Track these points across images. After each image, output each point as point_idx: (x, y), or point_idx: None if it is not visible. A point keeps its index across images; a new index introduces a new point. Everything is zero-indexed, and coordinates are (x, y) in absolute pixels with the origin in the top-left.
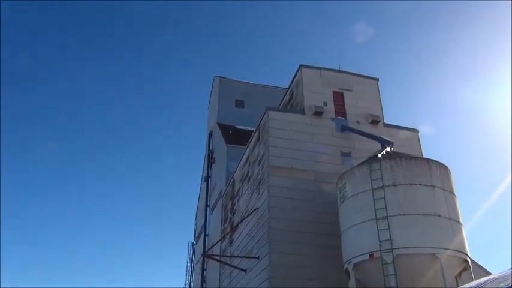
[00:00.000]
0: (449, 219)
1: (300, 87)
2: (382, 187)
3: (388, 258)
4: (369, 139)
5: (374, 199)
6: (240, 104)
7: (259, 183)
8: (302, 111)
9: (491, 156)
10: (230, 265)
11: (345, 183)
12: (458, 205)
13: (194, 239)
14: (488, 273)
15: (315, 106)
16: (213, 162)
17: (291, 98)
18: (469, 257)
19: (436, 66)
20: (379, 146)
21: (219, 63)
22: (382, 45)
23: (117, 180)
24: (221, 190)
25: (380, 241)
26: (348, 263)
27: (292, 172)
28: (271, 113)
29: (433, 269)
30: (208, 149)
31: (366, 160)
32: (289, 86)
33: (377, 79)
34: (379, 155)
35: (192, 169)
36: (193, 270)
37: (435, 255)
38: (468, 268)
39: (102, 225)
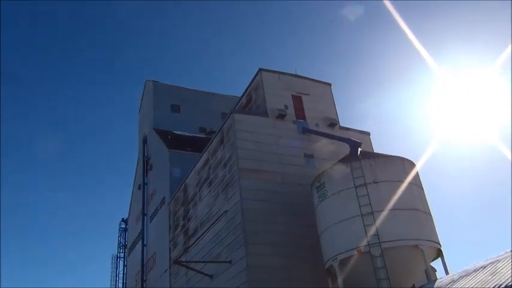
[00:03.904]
0: (424, 212)
1: (260, 90)
2: (365, 184)
3: (377, 251)
4: (328, 141)
5: (358, 196)
6: (176, 109)
7: (227, 185)
8: (265, 114)
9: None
10: (197, 271)
11: (324, 182)
12: (427, 198)
13: (120, 251)
14: None
15: (278, 109)
16: (150, 169)
17: (248, 101)
18: (441, 246)
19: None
20: (337, 147)
21: (147, 65)
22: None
23: (38, 187)
24: (164, 197)
25: (367, 236)
26: (333, 260)
27: (261, 174)
28: (237, 116)
29: (415, 259)
30: (143, 155)
31: (343, 159)
32: (246, 89)
33: (330, 84)
34: (359, 154)
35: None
36: (122, 284)
37: (418, 246)
38: (441, 256)
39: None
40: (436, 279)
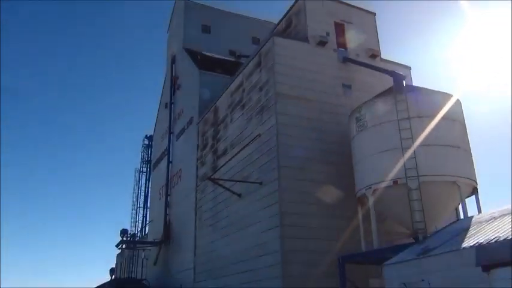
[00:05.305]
0: (465, 150)
1: (302, 15)
2: (408, 118)
3: (414, 184)
4: (367, 73)
5: (400, 129)
6: (206, 29)
7: (262, 109)
8: (306, 40)
9: None
10: (227, 189)
11: (365, 113)
12: (468, 136)
13: (143, 166)
14: None
15: (319, 36)
16: (178, 89)
17: (288, 26)
18: (477, 184)
19: None
20: (376, 80)
21: None
22: None
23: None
24: (192, 117)
25: (406, 168)
26: (366, 189)
27: (297, 100)
28: (278, 39)
29: (451, 195)
30: (171, 74)
31: (387, 91)
32: (286, 13)
33: (374, 13)
34: (404, 87)
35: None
36: (144, 197)
37: (455, 182)
38: (476, 193)
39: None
40: (473, 215)
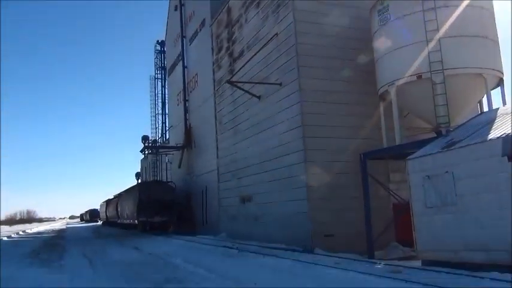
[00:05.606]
0: (492, 40)
1: None
2: (434, 8)
3: (438, 78)
4: None
5: (425, 21)
6: None
7: (278, 7)
8: None
9: None
10: (247, 91)
11: (388, 4)
12: (496, 25)
13: (157, 72)
14: None
15: None
16: None
17: None
18: (503, 75)
19: None
20: None
21: None
22: None
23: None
24: (204, 19)
25: (430, 62)
26: (389, 85)
27: None
28: None
29: (476, 87)
30: None
31: None
32: None
33: None
34: None
35: None
36: (162, 103)
37: (481, 74)
38: (502, 85)
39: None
40: (498, 107)
